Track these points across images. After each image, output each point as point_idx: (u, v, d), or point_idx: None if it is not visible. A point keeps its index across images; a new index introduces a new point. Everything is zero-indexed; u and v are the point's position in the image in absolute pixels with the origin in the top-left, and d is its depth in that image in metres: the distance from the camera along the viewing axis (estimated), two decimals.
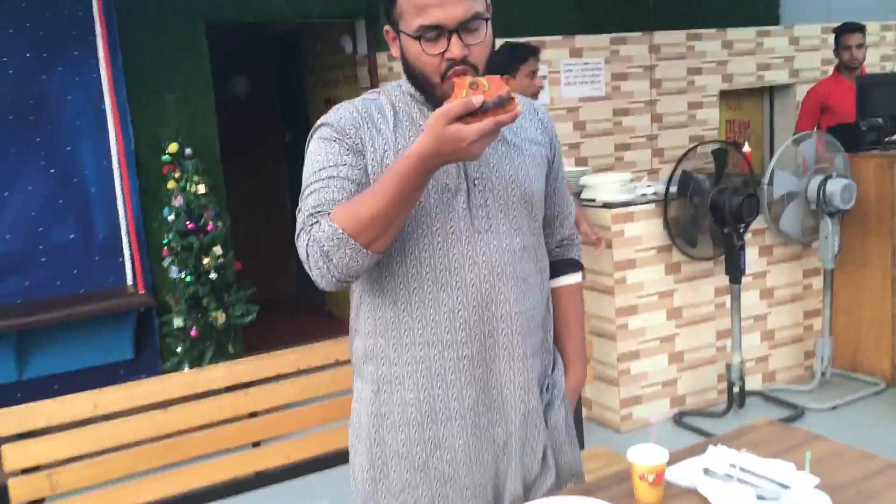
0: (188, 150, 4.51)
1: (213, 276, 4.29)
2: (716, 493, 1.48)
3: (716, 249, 4.21)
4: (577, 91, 5.50)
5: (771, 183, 4.25)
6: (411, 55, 1.57)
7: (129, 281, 4.70)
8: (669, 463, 1.79)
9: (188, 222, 4.29)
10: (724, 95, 6.36)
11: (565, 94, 5.48)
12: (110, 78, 4.49)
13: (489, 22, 1.59)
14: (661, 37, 5.83)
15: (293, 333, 5.37)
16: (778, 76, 6.48)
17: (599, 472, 2.17)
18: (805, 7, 6.48)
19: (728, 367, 4.16)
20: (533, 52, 3.89)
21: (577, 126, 5.58)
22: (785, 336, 4.64)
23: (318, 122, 1.65)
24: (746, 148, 4.65)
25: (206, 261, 4.29)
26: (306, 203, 1.54)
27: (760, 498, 1.61)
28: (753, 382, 4.52)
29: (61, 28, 4.53)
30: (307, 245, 1.49)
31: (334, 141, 1.59)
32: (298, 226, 1.55)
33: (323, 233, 1.46)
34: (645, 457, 1.67)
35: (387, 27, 1.62)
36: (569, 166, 4.97)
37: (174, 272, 4.28)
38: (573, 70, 5.45)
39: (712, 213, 4.02)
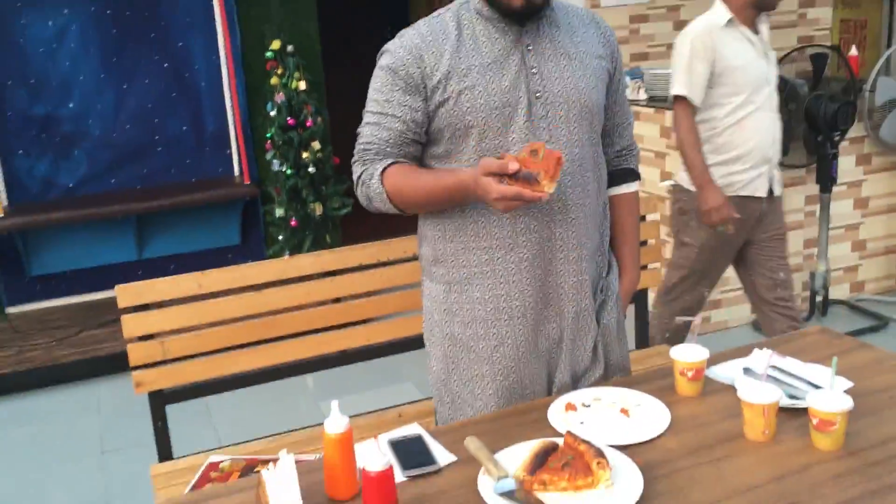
0: (290, 48, 4.68)
1: (311, 169, 4.52)
2: (748, 389, 1.60)
3: (809, 157, 4.14)
4: None
5: (873, 89, 4.11)
6: None
7: (237, 172, 5.01)
8: (715, 362, 1.92)
9: (289, 118, 4.50)
10: None
11: None
12: None
13: None
14: None
15: (387, 226, 5.59)
16: None
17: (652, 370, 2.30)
18: None
19: (812, 275, 4.16)
20: None
21: (678, 26, 5.43)
22: (877, 247, 4.57)
23: (383, 47, 1.79)
24: (853, 52, 4.48)
25: (305, 155, 4.52)
26: (363, 132, 1.79)
27: (792, 397, 1.73)
28: (840, 292, 4.50)
29: None
30: (360, 182, 1.79)
31: (390, 73, 1.73)
32: (356, 151, 1.81)
33: (372, 187, 1.75)
34: (686, 354, 1.80)
35: None
36: (662, 68, 4.90)
37: (276, 165, 4.54)
38: None
39: (806, 120, 3.94)
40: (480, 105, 1.69)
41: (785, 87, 3.95)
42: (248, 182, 4.85)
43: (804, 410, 1.63)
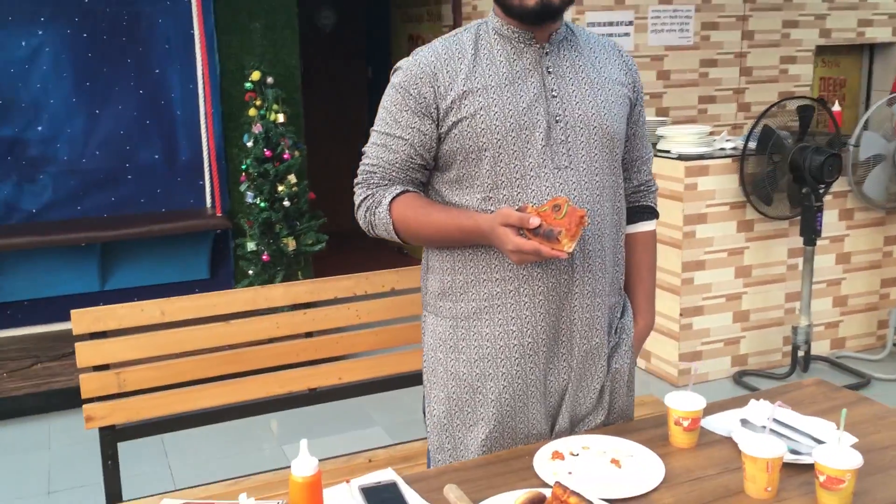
0: (270, 79, 4.59)
1: (286, 203, 4.40)
2: (750, 442, 1.49)
3: (792, 209, 4.10)
4: (663, 39, 5.36)
5: (858, 144, 4.10)
6: None
7: (208, 203, 4.87)
8: (711, 413, 1.81)
9: (266, 149, 4.39)
10: (821, 51, 6.10)
11: (651, 41, 5.35)
12: (199, 4, 4.59)
13: None
14: None
15: (362, 265, 5.46)
16: (880, 33, 6.17)
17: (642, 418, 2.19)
18: None
19: (794, 329, 4.09)
20: None
21: (661, 75, 5.45)
22: (858, 303, 4.52)
23: (397, 64, 1.70)
24: (836, 107, 4.48)
25: (280, 188, 4.40)
26: (368, 153, 1.70)
27: (794, 452, 1.62)
28: (821, 348, 4.44)
29: None
30: (363, 207, 1.71)
31: (401, 91, 1.65)
32: (360, 172, 1.71)
33: (378, 215, 1.67)
34: (682, 402, 1.69)
35: None
36: (648, 116, 4.89)
37: (249, 197, 4.42)
38: (661, 17, 5.31)
39: (791, 171, 3.90)
40: (496, 126, 1.60)
41: (770, 139, 3.92)
42: (220, 213, 4.71)
43: (807, 466, 1.53)
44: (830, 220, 4.29)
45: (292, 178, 4.45)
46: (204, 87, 4.70)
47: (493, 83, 1.63)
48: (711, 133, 4.28)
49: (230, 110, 4.82)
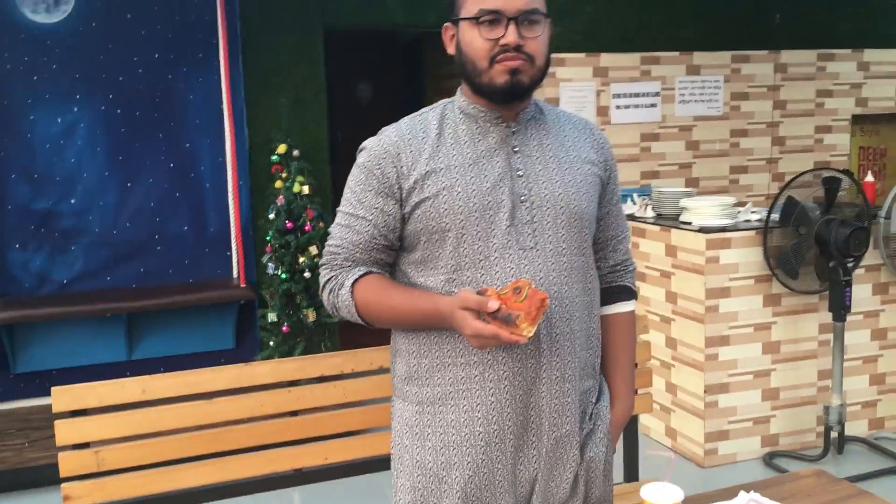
0: (296, 152, 4.67)
1: (307, 274, 4.42)
2: None
3: (821, 283, 3.96)
4: (691, 109, 5.32)
5: (889, 216, 3.96)
6: (465, 41, 1.60)
7: (234, 274, 4.92)
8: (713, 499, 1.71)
9: (287, 221, 4.44)
10: (858, 120, 5.98)
11: (679, 111, 5.31)
12: (228, 79, 4.72)
13: (549, 23, 1.61)
14: (788, 56, 5.56)
15: (388, 336, 5.44)
16: None
17: None
18: None
19: (826, 408, 3.91)
20: None
21: (690, 146, 5.39)
22: None
23: (363, 143, 1.70)
24: (869, 178, 4.37)
25: (301, 259, 4.43)
26: (333, 233, 1.69)
27: None
28: (859, 428, 4.23)
29: (188, 31, 4.80)
30: (326, 289, 1.69)
31: (365, 171, 1.64)
32: (325, 253, 1.70)
33: (341, 297, 1.65)
34: (658, 495, 1.60)
35: (446, 24, 1.66)
36: (671, 186, 4.83)
37: (270, 269, 4.45)
38: (688, 87, 5.28)
39: (818, 244, 3.79)
40: (458, 206, 1.57)
41: (794, 210, 3.82)
42: (244, 285, 4.75)
43: None
44: (863, 294, 4.13)
45: (313, 250, 4.47)
46: (231, 160, 4.79)
47: (456, 163, 1.61)
48: (737, 204, 4.19)
49: (258, 182, 4.90)
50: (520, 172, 1.62)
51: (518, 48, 1.55)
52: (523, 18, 1.55)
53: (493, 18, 1.55)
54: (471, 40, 1.58)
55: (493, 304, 1.44)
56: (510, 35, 1.54)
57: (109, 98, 4.67)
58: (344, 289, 1.65)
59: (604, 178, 1.74)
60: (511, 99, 1.61)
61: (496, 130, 1.64)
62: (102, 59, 4.64)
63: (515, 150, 1.64)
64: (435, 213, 1.58)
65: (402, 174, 1.61)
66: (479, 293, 1.48)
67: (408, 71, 7.41)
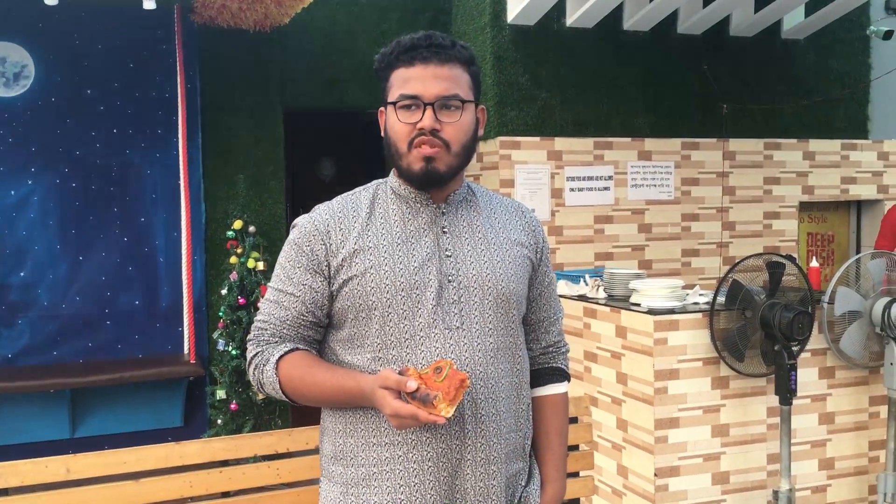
0: (252, 228, 4.68)
1: None
2: None
3: (767, 366, 4.00)
4: (643, 193, 5.44)
5: (832, 301, 4.04)
6: (389, 124, 1.64)
7: (186, 349, 4.86)
8: None
9: (240, 297, 4.42)
10: (806, 207, 6.15)
11: (631, 195, 5.43)
12: (185, 155, 4.75)
13: (473, 109, 1.66)
14: (736, 144, 5.73)
15: None
16: (864, 191, 6.23)
17: None
18: None
19: (775, 493, 3.89)
20: None
21: (643, 228, 5.49)
22: (846, 466, 4.32)
23: (295, 220, 1.72)
24: (814, 263, 4.47)
25: None
26: (261, 309, 1.70)
27: None
28: None
29: (148, 108, 4.86)
30: (252, 365, 1.68)
31: (295, 248, 1.66)
32: (252, 328, 1.71)
33: (266, 373, 1.64)
34: None
35: (381, 108, 1.69)
36: (620, 268, 4.90)
37: (221, 345, 4.40)
38: (640, 172, 5.41)
39: (763, 328, 3.84)
40: (385, 285, 1.58)
41: (740, 293, 3.88)
42: (193, 361, 4.68)
43: None
44: (810, 378, 4.17)
45: None
46: (186, 235, 4.79)
47: (384, 242, 1.63)
48: (685, 287, 4.25)
49: (214, 258, 4.90)
50: (448, 253, 1.65)
51: (434, 132, 1.59)
52: (441, 104, 1.59)
53: (412, 104, 1.60)
54: (393, 124, 1.63)
55: (412, 384, 1.44)
56: (426, 119, 1.58)
57: (65, 171, 4.68)
58: (269, 364, 1.64)
59: (535, 260, 1.77)
60: (427, 185, 1.65)
61: (426, 211, 1.67)
62: (60, 133, 4.67)
63: (444, 230, 1.67)
64: (362, 290, 1.60)
65: (330, 251, 1.63)
66: (399, 373, 1.49)
67: (369, 148, 7.52)
